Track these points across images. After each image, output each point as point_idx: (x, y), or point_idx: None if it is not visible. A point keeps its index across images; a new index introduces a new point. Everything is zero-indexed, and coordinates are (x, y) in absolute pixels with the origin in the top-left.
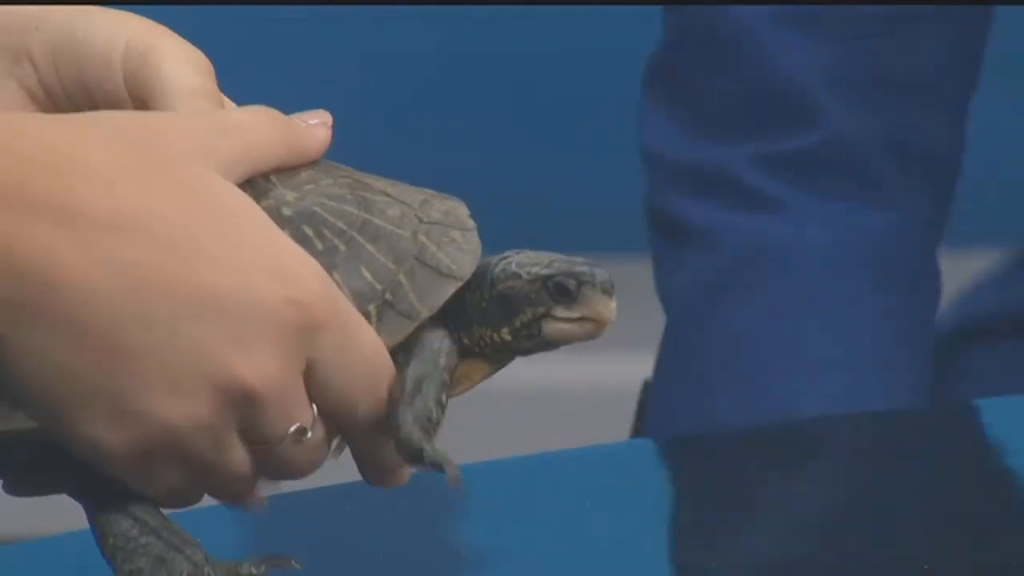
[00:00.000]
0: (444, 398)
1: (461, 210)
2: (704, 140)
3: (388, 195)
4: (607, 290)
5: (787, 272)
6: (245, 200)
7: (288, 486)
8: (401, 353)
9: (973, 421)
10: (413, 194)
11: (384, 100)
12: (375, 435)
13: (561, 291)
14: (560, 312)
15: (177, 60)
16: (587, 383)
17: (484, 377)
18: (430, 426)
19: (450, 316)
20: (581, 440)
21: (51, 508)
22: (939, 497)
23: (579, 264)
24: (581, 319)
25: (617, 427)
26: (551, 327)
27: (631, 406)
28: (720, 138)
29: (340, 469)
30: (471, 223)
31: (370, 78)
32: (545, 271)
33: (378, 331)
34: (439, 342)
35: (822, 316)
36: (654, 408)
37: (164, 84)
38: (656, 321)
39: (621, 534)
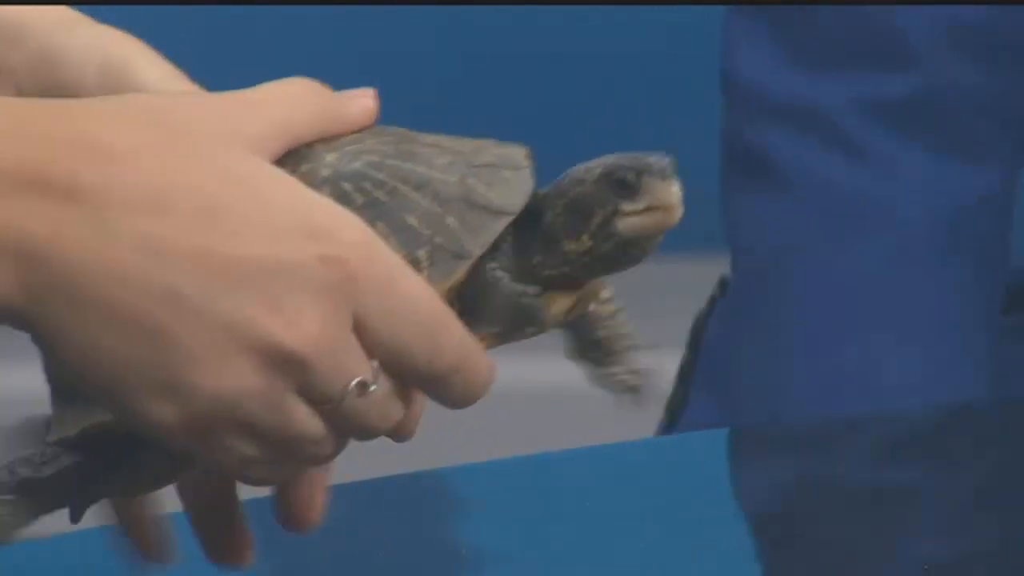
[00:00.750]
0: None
1: (518, 152)
2: (802, 74)
3: (439, 146)
4: (666, 175)
5: (874, 232)
6: (267, 167)
7: None
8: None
9: None
10: (467, 143)
11: (391, 101)
12: (437, 380)
13: (622, 185)
14: (627, 206)
15: (157, 67)
16: (587, 383)
17: (568, 310)
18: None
19: (534, 250)
20: (581, 440)
21: None
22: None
23: (636, 157)
24: (648, 209)
25: (617, 427)
26: (623, 223)
27: (630, 406)
28: (820, 74)
29: (340, 469)
30: (525, 162)
31: (374, 79)
32: (605, 170)
33: (430, 275)
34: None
35: (904, 283)
36: (713, 358)
37: (153, 86)
38: (657, 322)
39: (621, 534)
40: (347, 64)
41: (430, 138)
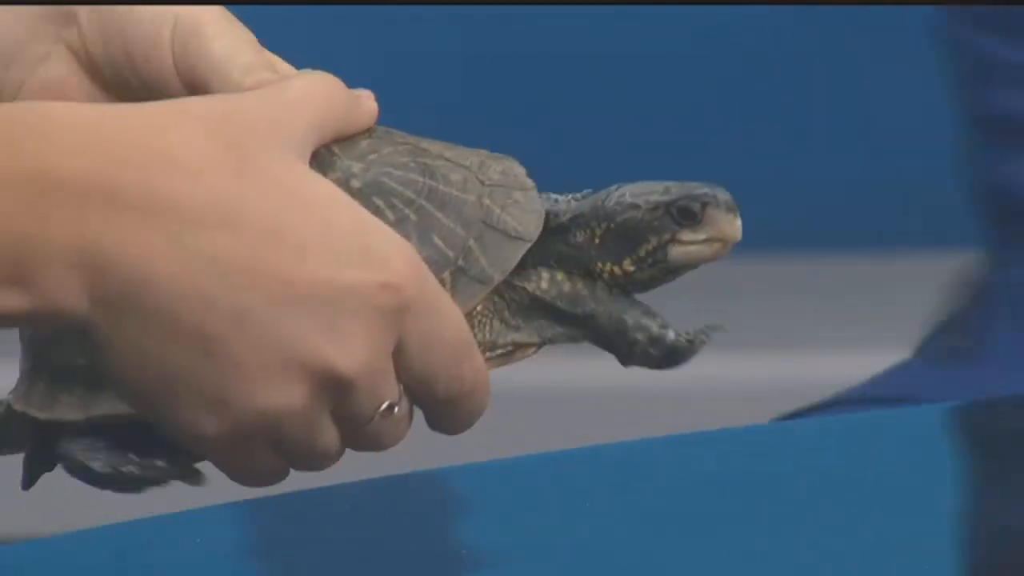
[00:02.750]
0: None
1: (518, 169)
2: None
3: (447, 159)
4: (732, 208)
5: None
6: (325, 184)
7: (288, 486)
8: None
9: None
10: (469, 156)
11: (403, 102)
12: (450, 404)
13: (686, 214)
14: (686, 236)
15: (226, 36)
16: (587, 383)
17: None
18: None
19: (558, 264)
20: (581, 440)
21: (51, 508)
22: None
23: (699, 187)
24: (708, 240)
25: (617, 427)
26: (678, 251)
27: (631, 406)
28: None
29: (340, 469)
30: (530, 182)
31: (374, 78)
32: (666, 197)
33: (452, 297)
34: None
35: None
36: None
37: (216, 61)
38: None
39: (621, 534)
40: (347, 64)
41: (435, 147)
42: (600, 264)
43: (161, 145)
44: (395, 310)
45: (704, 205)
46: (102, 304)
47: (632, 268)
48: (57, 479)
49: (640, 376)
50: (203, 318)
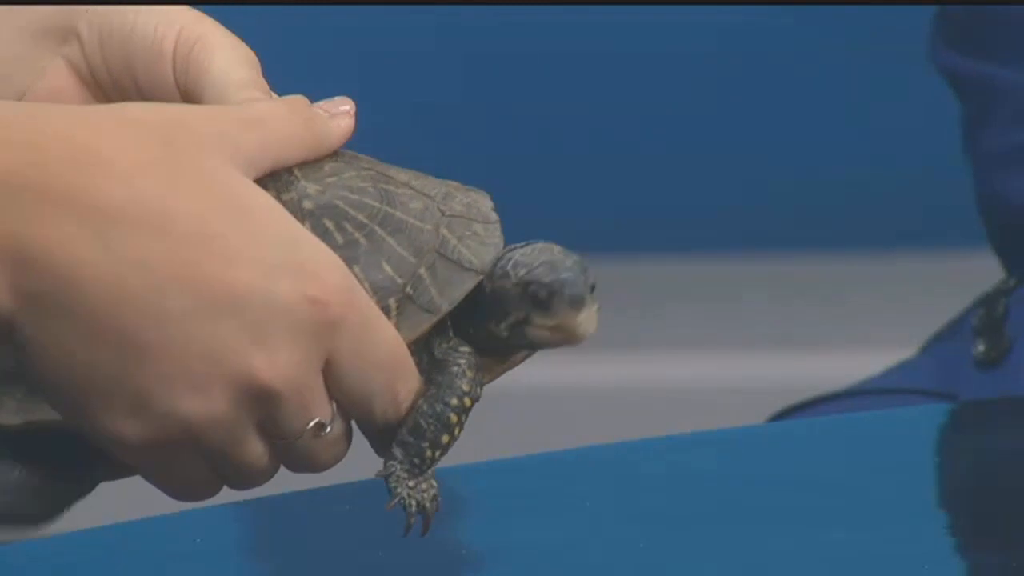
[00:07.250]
0: (448, 436)
1: (484, 203)
2: None
3: (411, 188)
4: (576, 304)
5: None
6: (264, 196)
7: (288, 486)
8: (426, 356)
9: None
10: (436, 187)
11: (399, 100)
12: (388, 429)
13: (535, 300)
14: (537, 319)
15: (227, 52)
16: (587, 383)
17: (499, 374)
18: (419, 467)
19: (476, 309)
20: (581, 440)
21: None
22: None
23: (560, 270)
24: (554, 328)
25: (617, 427)
26: (531, 332)
27: (630, 406)
28: None
29: (339, 469)
30: (494, 216)
31: (374, 78)
32: (526, 276)
33: (398, 326)
34: (462, 368)
35: None
36: None
37: (215, 76)
38: (655, 322)
39: (620, 534)
40: (347, 64)
41: (403, 176)
42: (488, 322)
43: (94, 145)
44: (324, 325)
45: (551, 295)
46: (26, 301)
47: (506, 334)
48: None
49: (640, 376)
50: (126, 320)
